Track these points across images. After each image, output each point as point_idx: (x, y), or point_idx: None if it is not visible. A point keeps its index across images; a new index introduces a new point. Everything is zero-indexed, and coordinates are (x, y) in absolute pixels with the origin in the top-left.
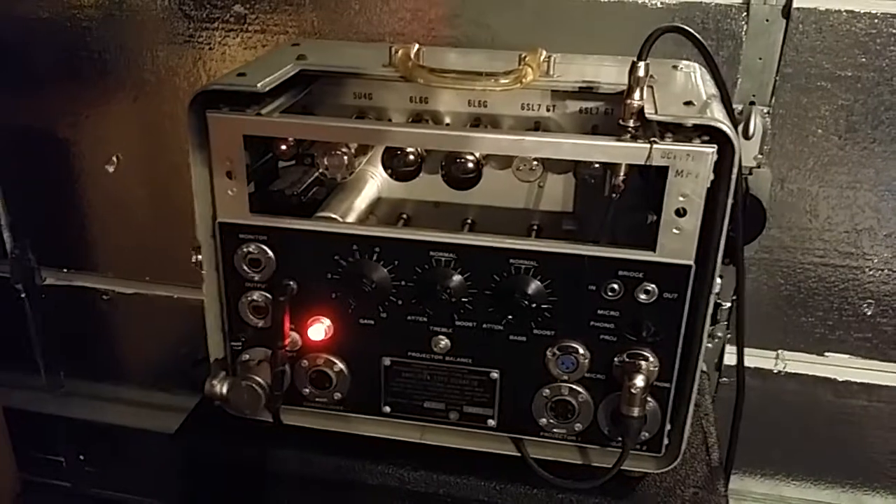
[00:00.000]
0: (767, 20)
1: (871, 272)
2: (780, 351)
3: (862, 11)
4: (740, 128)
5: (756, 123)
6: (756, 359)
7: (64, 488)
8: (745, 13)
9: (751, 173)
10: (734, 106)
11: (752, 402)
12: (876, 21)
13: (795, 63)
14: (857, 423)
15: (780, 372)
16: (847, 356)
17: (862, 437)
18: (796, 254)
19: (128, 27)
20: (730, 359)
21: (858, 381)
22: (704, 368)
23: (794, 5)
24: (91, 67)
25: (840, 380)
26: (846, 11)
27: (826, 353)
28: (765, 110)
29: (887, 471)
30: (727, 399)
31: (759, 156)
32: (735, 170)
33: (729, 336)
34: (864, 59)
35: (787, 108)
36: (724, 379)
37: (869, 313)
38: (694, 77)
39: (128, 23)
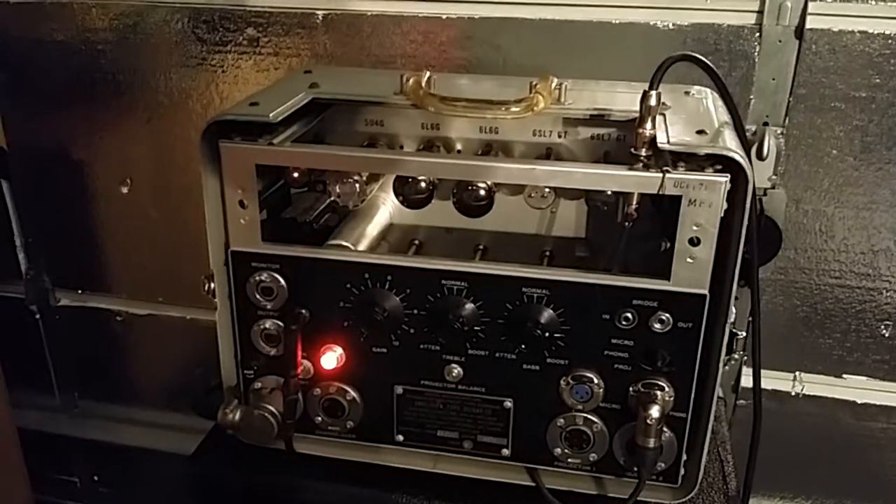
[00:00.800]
0: (780, 41)
1: (888, 293)
2: (797, 373)
3: (875, 32)
4: (754, 149)
5: (770, 144)
6: (773, 381)
7: None
8: (757, 34)
9: (765, 194)
10: (748, 127)
11: (770, 425)
12: (890, 42)
13: (809, 84)
14: (877, 445)
15: (797, 394)
16: (865, 378)
17: (882, 460)
18: (812, 275)
19: (141, 50)
20: (746, 381)
21: (877, 403)
22: (721, 394)
23: (807, 26)
24: (105, 89)
25: (859, 402)
26: (859, 32)
27: (844, 375)
28: (778, 131)
29: None
30: (744, 421)
31: (774, 177)
32: (748, 199)
33: (745, 358)
34: (878, 80)
35: (801, 128)
36: (742, 401)
37: (887, 335)
38: (706, 103)
39: (141, 45)
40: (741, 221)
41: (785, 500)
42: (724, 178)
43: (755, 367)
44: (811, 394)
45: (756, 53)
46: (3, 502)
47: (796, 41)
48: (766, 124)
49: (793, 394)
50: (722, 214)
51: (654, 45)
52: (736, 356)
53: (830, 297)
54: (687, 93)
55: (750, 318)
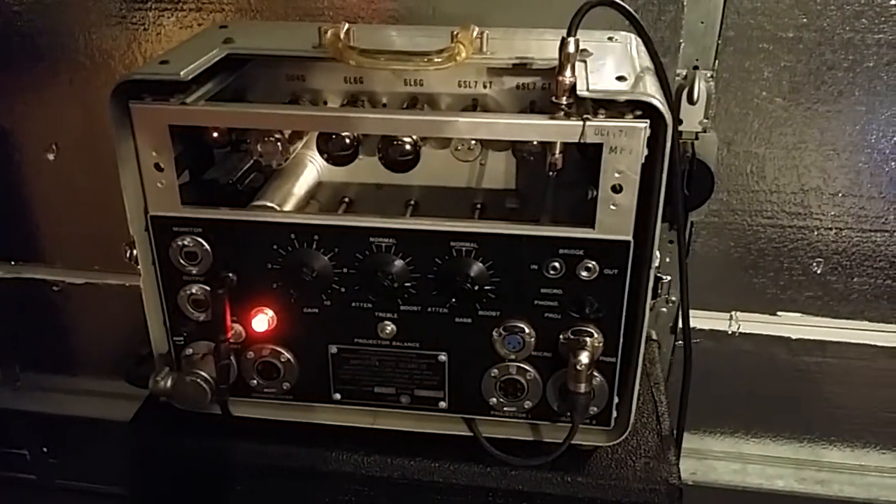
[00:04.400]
0: None
1: (819, 231)
2: (733, 312)
3: None
4: (685, 93)
5: (700, 88)
6: (710, 321)
7: (29, 481)
8: None
9: (697, 138)
10: (678, 71)
11: (708, 364)
12: None
13: (737, 26)
14: (812, 379)
15: (734, 333)
16: (799, 314)
17: (817, 393)
18: (745, 216)
19: (59, 10)
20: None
21: (811, 338)
22: (655, 336)
23: None
24: (23, 52)
25: (794, 338)
26: None
27: (779, 313)
28: (708, 74)
29: (843, 424)
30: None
31: (705, 120)
32: (668, 144)
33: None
34: (805, 20)
35: (731, 71)
36: (680, 342)
37: (819, 272)
38: (629, 49)
39: (58, 5)
40: (662, 167)
41: (725, 435)
42: (644, 124)
43: (684, 308)
44: (747, 332)
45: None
46: None
47: None
48: (696, 68)
49: (729, 332)
50: (643, 161)
51: None
52: (674, 298)
53: (763, 237)
54: (610, 38)
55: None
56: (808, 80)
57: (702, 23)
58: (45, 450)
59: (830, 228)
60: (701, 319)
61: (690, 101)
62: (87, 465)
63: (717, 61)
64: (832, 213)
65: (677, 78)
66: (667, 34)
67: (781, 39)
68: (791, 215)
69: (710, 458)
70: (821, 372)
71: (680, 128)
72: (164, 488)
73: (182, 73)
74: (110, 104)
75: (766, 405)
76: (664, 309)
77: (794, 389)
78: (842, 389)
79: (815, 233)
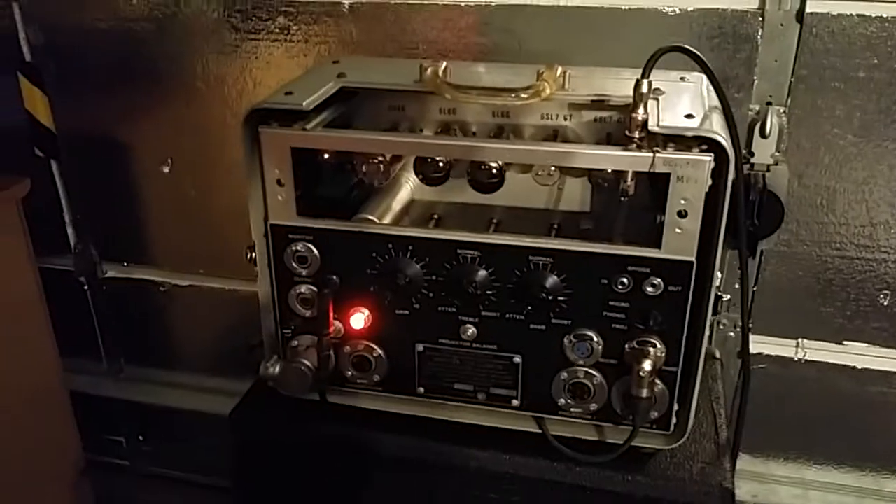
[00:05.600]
0: (782, 24)
1: (887, 264)
2: (800, 339)
3: (873, 15)
4: (757, 127)
5: (772, 123)
6: (777, 347)
7: (124, 467)
8: (760, 18)
9: (769, 170)
10: (752, 106)
11: (773, 389)
12: (886, 24)
13: (810, 65)
14: (876, 409)
15: (800, 360)
16: (865, 344)
17: (881, 423)
18: (814, 247)
19: (180, 38)
20: (753, 347)
21: (876, 368)
22: (718, 355)
23: (808, 10)
24: (147, 76)
25: (859, 367)
26: (857, 15)
27: (844, 342)
28: (781, 110)
29: None
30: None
31: (777, 153)
32: (731, 176)
33: (751, 325)
34: (875, 61)
35: (803, 107)
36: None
37: (885, 303)
38: (699, 89)
39: (179, 34)
40: (724, 196)
41: (788, 461)
42: (708, 158)
43: (744, 330)
44: (813, 359)
45: (759, 36)
46: (57, 460)
47: (797, 24)
48: (769, 104)
49: (795, 359)
50: (707, 190)
51: (661, 30)
52: (740, 323)
53: (831, 268)
54: (683, 79)
55: (754, 287)
56: (878, 118)
57: (776, 61)
58: (140, 438)
59: None
60: (768, 345)
61: (763, 134)
62: (178, 455)
63: (789, 98)
64: None
65: (750, 113)
66: (741, 71)
67: (853, 79)
68: (859, 247)
69: (771, 482)
70: (885, 402)
71: (752, 160)
72: (262, 466)
73: (304, 103)
74: (243, 128)
75: (830, 432)
76: (731, 333)
77: (858, 418)
78: None
79: (883, 265)
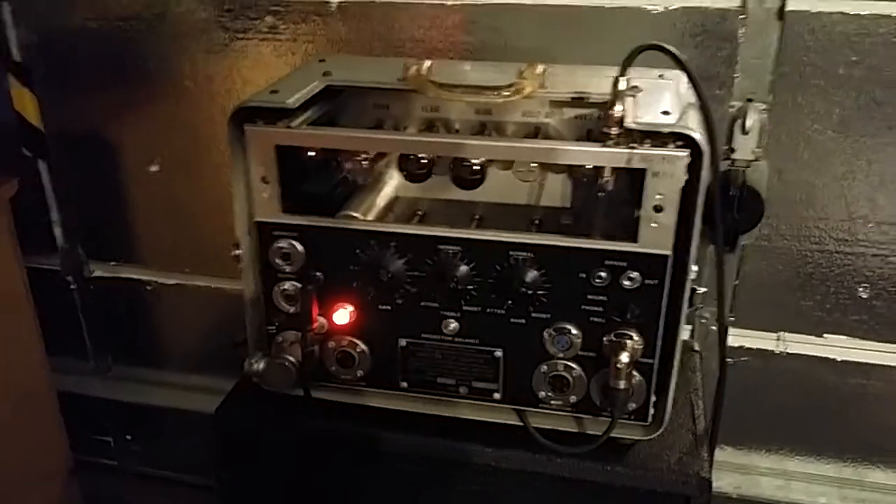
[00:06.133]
0: (763, 22)
1: (866, 258)
2: (781, 333)
3: (852, 13)
4: (738, 124)
5: (753, 120)
6: (758, 340)
7: (112, 467)
8: (741, 16)
9: (749, 166)
10: (733, 103)
11: (756, 382)
12: (865, 22)
13: (790, 62)
14: (857, 401)
15: (781, 353)
16: (845, 337)
17: (862, 415)
18: (794, 241)
19: (169, 37)
20: (733, 340)
21: (857, 360)
22: (697, 348)
23: (788, 8)
24: (135, 74)
25: (839, 360)
26: (837, 13)
27: (825, 335)
28: (762, 107)
29: (886, 446)
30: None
31: (758, 149)
32: (704, 171)
33: (732, 319)
34: (854, 58)
35: (784, 104)
36: (729, 359)
37: (865, 296)
38: (676, 86)
39: (169, 33)
40: (698, 192)
41: (771, 453)
42: (684, 153)
43: (720, 323)
44: (794, 352)
45: (741, 34)
46: (44, 460)
47: (778, 22)
48: (750, 100)
49: (776, 352)
50: (682, 185)
51: (644, 27)
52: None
53: (811, 262)
54: (661, 76)
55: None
56: (858, 115)
57: (757, 58)
58: (128, 437)
59: (877, 255)
60: (749, 339)
61: (743, 131)
62: (166, 454)
63: (770, 95)
64: (879, 240)
65: (731, 110)
66: (723, 68)
67: (832, 76)
68: (838, 241)
69: (754, 473)
70: (865, 394)
71: (733, 156)
72: (247, 461)
73: (289, 101)
74: (229, 126)
75: (811, 424)
76: (713, 327)
77: (839, 410)
78: (886, 412)
79: (862, 259)
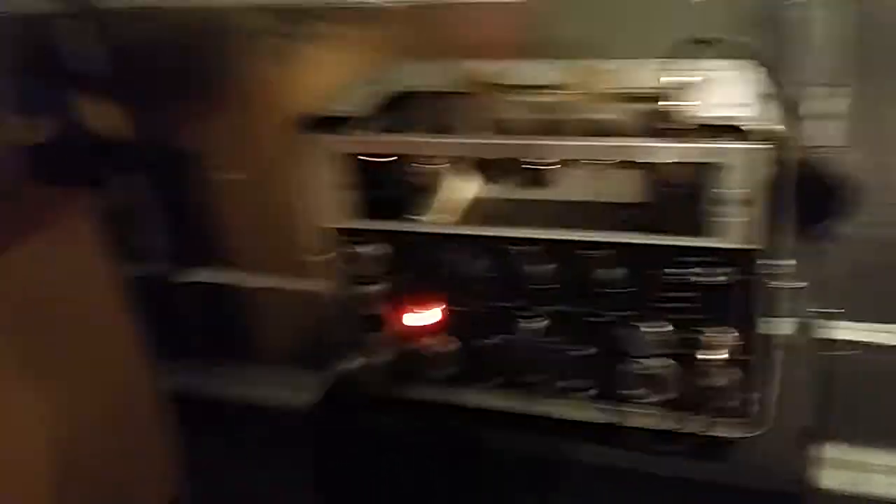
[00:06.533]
0: (843, 3)
1: None
2: (893, 325)
3: None
4: (820, 110)
5: (837, 106)
6: (869, 333)
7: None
8: None
9: (836, 153)
10: (815, 89)
11: (866, 377)
12: None
13: (874, 43)
14: None
15: (894, 346)
16: None
17: None
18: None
19: (233, 47)
20: (840, 334)
21: None
22: (801, 343)
23: None
24: (207, 85)
25: None
26: None
27: None
28: (845, 91)
29: None
30: (841, 373)
31: (843, 136)
32: (787, 162)
33: (838, 312)
34: None
35: (871, 88)
36: (838, 353)
37: None
38: (752, 76)
39: (233, 43)
40: (783, 183)
41: (884, 450)
42: (761, 146)
43: (822, 315)
44: None
45: (820, 18)
46: (156, 455)
47: (859, 3)
48: (834, 86)
49: (889, 345)
50: (765, 177)
51: (716, 16)
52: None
53: None
54: (734, 68)
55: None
56: None
57: (839, 42)
58: (232, 434)
59: None
60: (859, 332)
61: (827, 118)
62: (265, 451)
63: (855, 79)
64: None
65: (812, 96)
66: (799, 54)
67: None
68: None
69: (868, 471)
70: None
71: (818, 144)
72: (344, 461)
73: (358, 109)
74: (299, 134)
75: None
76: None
77: None
78: None
79: None
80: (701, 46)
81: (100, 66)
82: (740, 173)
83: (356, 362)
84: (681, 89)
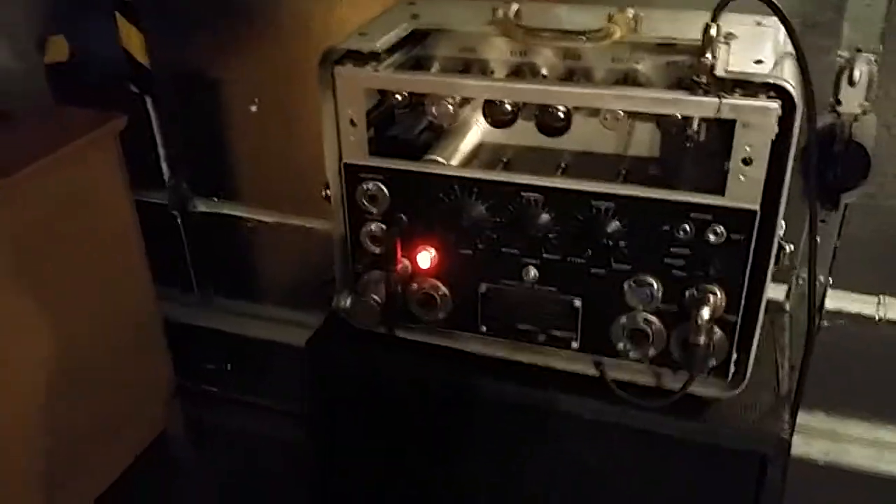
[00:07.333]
0: None
1: None
2: (881, 296)
3: None
4: (845, 75)
5: (861, 71)
6: (858, 304)
7: (212, 393)
8: None
9: (856, 120)
10: (841, 53)
11: (852, 347)
12: None
13: None
14: None
15: (881, 318)
16: None
17: None
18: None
19: None
20: (830, 303)
21: None
22: (788, 308)
23: None
24: (237, 14)
25: None
26: None
27: None
28: (872, 58)
29: None
30: (828, 343)
31: (865, 103)
32: (797, 124)
33: (830, 280)
34: None
35: (895, 55)
36: (825, 322)
37: None
38: (775, 35)
39: None
40: (790, 145)
41: (862, 420)
42: (775, 105)
43: (810, 283)
44: (895, 318)
45: None
46: (151, 384)
47: None
48: (859, 51)
49: (876, 318)
50: (774, 138)
51: None
52: (821, 278)
53: None
54: (759, 23)
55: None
56: None
57: (868, 6)
58: (228, 366)
59: None
60: (849, 301)
61: (850, 83)
62: (263, 383)
63: (881, 45)
64: None
65: (839, 60)
66: (831, 16)
67: None
68: None
69: (845, 441)
70: None
71: (839, 109)
72: (335, 394)
73: (377, 44)
74: (318, 68)
75: None
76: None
77: None
78: None
79: None
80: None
81: None
82: (749, 132)
83: (350, 299)
84: (704, 42)
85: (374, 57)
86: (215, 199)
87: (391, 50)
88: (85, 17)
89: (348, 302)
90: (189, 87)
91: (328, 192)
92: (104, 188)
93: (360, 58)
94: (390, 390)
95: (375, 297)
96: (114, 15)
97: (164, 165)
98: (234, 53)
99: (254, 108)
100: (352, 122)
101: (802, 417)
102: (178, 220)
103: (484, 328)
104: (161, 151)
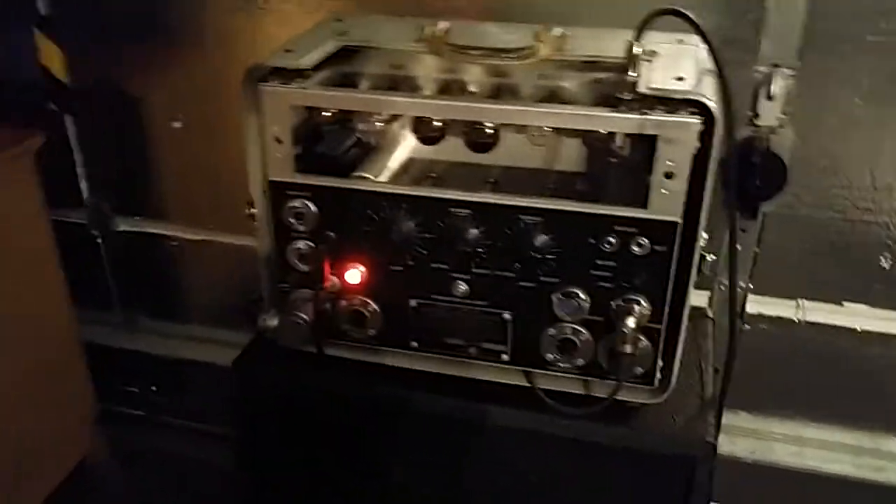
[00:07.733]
0: None
1: (889, 228)
2: (799, 300)
3: None
4: (762, 90)
5: (779, 86)
6: (777, 307)
7: (137, 416)
8: None
9: (773, 133)
10: (759, 68)
11: (773, 350)
12: None
13: (819, 28)
14: (876, 370)
15: (800, 320)
16: (865, 306)
17: (880, 385)
18: (817, 209)
19: None
20: (751, 308)
21: (876, 330)
22: (710, 314)
23: None
24: (160, 31)
25: (859, 329)
26: None
27: (844, 303)
28: (789, 73)
29: None
30: (749, 347)
31: (783, 116)
32: (717, 138)
33: (751, 286)
34: (885, 25)
35: (811, 71)
36: (747, 326)
37: (886, 266)
38: (696, 52)
39: None
40: (709, 158)
41: (786, 419)
42: (696, 120)
43: (731, 289)
44: (813, 320)
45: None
46: (70, 409)
47: None
48: (776, 66)
49: (795, 320)
50: (694, 152)
51: None
52: (742, 284)
53: (834, 231)
54: (680, 41)
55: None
56: (887, 83)
57: (785, 23)
58: (154, 388)
59: None
60: (768, 305)
61: (768, 97)
62: (190, 404)
63: (798, 61)
64: None
65: (757, 75)
66: (749, 33)
67: (863, 42)
68: (862, 210)
69: (769, 439)
70: (884, 363)
71: (756, 122)
72: (263, 414)
73: (304, 61)
74: (243, 84)
75: (829, 393)
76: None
77: (857, 379)
78: None
79: (885, 229)
80: (651, 19)
81: (51, 4)
82: (670, 146)
83: (277, 319)
84: (627, 60)
85: (301, 74)
86: (137, 218)
87: (318, 67)
88: (4, 32)
89: (275, 321)
90: (111, 103)
91: (253, 210)
92: (19, 208)
93: (287, 75)
94: (320, 409)
95: (303, 315)
96: (32, 31)
97: (83, 184)
98: (158, 69)
99: (177, 125)
100: (277, 140)
101: (728, 418)
102: (99, 240)
103: (415, 343)
104: (80, 170)
